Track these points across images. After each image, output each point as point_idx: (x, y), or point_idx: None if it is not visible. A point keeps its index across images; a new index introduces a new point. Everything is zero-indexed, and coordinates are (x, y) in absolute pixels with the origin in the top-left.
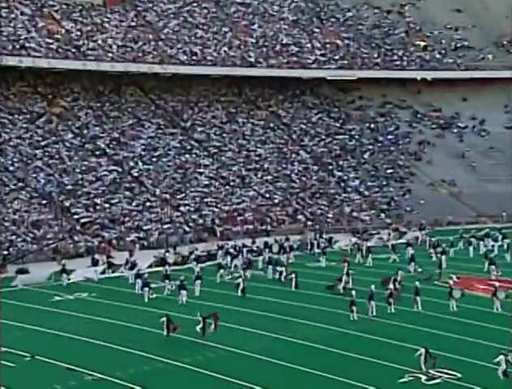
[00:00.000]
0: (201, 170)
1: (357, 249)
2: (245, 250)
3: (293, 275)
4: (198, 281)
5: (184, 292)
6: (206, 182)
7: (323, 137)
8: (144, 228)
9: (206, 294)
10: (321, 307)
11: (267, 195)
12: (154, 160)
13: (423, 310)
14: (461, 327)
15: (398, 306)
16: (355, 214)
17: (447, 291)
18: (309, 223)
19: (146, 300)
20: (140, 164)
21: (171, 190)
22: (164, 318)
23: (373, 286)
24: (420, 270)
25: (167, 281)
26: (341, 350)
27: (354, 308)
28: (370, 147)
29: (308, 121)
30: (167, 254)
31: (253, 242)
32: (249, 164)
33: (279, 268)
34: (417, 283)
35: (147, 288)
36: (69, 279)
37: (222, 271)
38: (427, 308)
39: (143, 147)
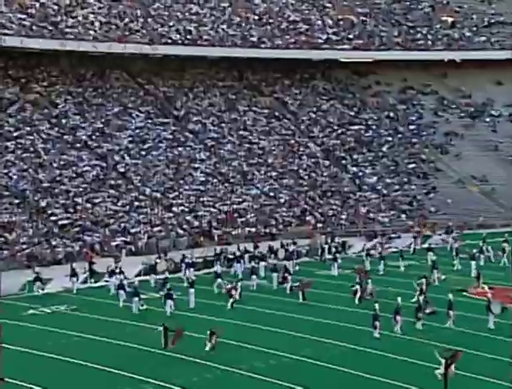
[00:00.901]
0: (196, 165)
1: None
2: (246, 255)
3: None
4: (192, 290)
5: (170, 302)
6: (203, 179)
7: (335, 127)
8: (132, 231)
9: (201, 306)
10: (335, 322)
11: (272, 194)
12: (143, 153)
13: (456, 327)
14: (500, 346)
15: (428, 321)
16: (372, 215)
17: (484, 304)
18: (320, 225)
19: (134, 310)
20: (127, 158)
21: (162, 188)
22: (161, 328)
23: (399, 299)
24: (443, 277)
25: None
26: (360, 371)
27: (377, 323)
28: (389, 138)
29: (318, 109)
30: (157, 261)
31: (256, 247)
32: (252, 159)
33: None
34: (450, 295)
35: (136, 299)
36: (42, 289)
37: (219, 280)
38: (461, 324)
39: (130, 138)
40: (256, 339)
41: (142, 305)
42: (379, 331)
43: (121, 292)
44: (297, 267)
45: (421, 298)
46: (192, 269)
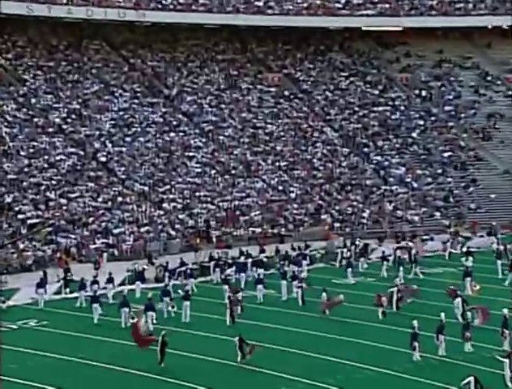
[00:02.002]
0: (191, 154)
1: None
2: (249, 261)
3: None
4: (187, 303)
5: (151, 314)
6: (199, 170)
7: (356, 109)
8: (115, 232)
9: (196, 320)
10: (360, 340)
11: (281, 188)
12: (128, 139)
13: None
14: None
15: (478, 343)
16: (399, 213)
17: None
18: (337, 225)
19: (123, 325)
20: (109, 145)
21: (151, 181)
22: (237, 339)
23: (442, 314)
24: (477, 288)
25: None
26: None
27: (416, 344)
28: (421, 122)
29: (335, 87)
30: (145, 267)
31: (262, 251)
32: (257, 146)
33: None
34: (505, 310)
35: (126, 309)
36: (3, 302)
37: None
38: None
39: (113, 122)
40: (263, 362)
41: (132, 318)
42: (419, 353)
43: (95, 305)
44: (305, 274)
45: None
46: (192, 279)
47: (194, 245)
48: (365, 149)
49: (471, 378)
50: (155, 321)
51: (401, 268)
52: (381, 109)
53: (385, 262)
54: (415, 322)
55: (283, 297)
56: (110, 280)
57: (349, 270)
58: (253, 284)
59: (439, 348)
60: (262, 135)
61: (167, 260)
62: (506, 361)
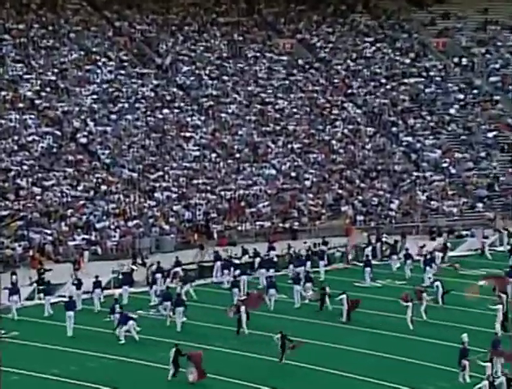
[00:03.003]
0: (188, 134)
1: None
2: (257, 260)
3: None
4: (180, 309)
5: (131, 323)
6: (197, 153)
7: (383, 81)
8: (98, 226)
9: (191, 329)
10: (391, 355)
11: (293, 174)
12: (113, 117)
13: None
14: None
15: None
16: (434, 204)
17: None
18: (360, 218)
19: (122, 340)
20: (91, 124)
21: (140, 167)
22: (278, 336)
23: (464, 336)
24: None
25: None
26: None
27: (466, 362)
28: (460, 96)
29: (359, 55)
30: (134, 268)
31: (271, 248)
32: (265, 126)
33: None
34: (465, 336)
35: (132, 322)
36: None
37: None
38: None
39: (96, 96)
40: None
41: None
42: (469, 373)
43: (70, 313)
44: (322, 276)
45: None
46: (190, 283)
47: (191, 242)
48: (394, 128)
49: (486, 382)
50: (137, 328)
51: (428, 268)
52: (412, 80)
53: (408, 261)
54: (464, 337)
55: (296, 303)
56: (97, 285)
57: (367, 270)
58: (265, 289)
59: (463, 373)
60: (272, 112)
61: (159, 259)
62: (488, 364)
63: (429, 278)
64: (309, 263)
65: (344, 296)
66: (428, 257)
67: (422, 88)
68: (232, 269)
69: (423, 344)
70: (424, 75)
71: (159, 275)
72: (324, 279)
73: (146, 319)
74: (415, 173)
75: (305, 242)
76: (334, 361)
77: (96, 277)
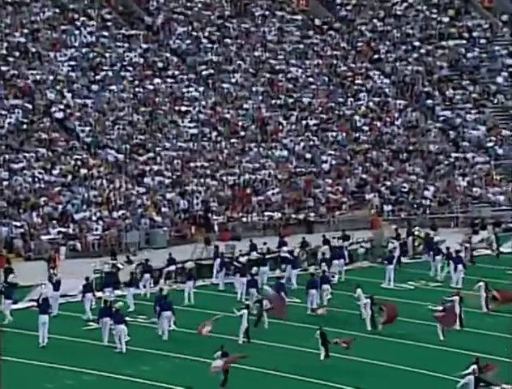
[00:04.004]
0: (183, 108)
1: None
2: (266, 258)
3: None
4: (167, 313)
5: (121, 327)
6: (194, 131)
7: (416, 44)
8: (76, 217)
9: (184, 338)
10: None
11: (309, 156)
12: (94, 88)
13: None
14: None
15: None
16: (477, 191)
17: None
18: (388, 208)
19: (123, 348)
20: (68, 95)
21: (127, 147)
22: (318, 333)
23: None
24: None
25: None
26: None
27: None
28: (509, 61)
29: (387, 13)
30: (120, 266)
31: (282, 243)
32: (276, 98)
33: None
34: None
35: (121, 326)
36: None
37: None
38: None
39: (73, 63)
40: None
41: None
42: None
43: (45, 318)
44: (339, 277)
45: None
46: (191, 282)
47: (187, 236)
48: (429, 101)
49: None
50: (127, 337)
51: (460, 267)
52: (452, 43)
53: (437, 258)
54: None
55: (309, 309)
56: (88, 288)
57: (389, 267)
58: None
59: None
60: (283, 82)
61: (149, 256)
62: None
63: (463, 278)
64: (336, 262)
65: (368, 300)
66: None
67: (463, 53)
68: (224, 268)
69: (458, 356)
70: (465, 37)
71: (147, 276)
72: (344, 279)
73: (133, 327)
74: (454, 154)
75: (323, 236)
76: (358, 378)
77: (87, 279)
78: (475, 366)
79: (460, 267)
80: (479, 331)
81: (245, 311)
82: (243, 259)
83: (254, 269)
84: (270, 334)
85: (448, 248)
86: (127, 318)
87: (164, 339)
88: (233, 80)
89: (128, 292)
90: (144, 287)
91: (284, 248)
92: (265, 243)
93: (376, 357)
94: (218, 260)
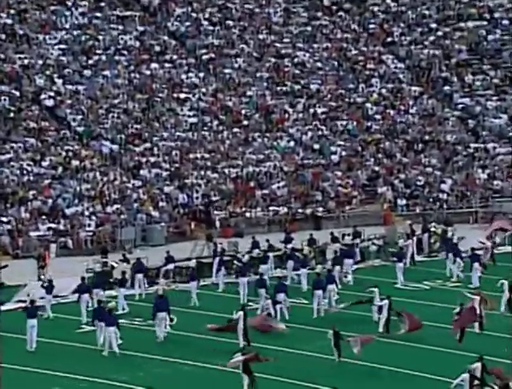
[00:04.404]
0: (182, 95)
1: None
2: (271, 255)
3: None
4: (162, 314)
5: (112, 330)
6: (194, 120)
7: (433, 26)
8: (68, 212)
9: (181, 341)
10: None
11: (316, 147)
12: (86, 73)
13: None
14: None
15: None
16: (498, 184)
17: None
18: (402, 202)
19: (116, 350)
20: (58, 81)
21: (122, 137)
22: (331, 333)
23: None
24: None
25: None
26: None
27: None
28: None
29: None
30: (114, 265)
31: (288, 240)
32: (281, 85)
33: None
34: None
35: (112, 328)
36: None
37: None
38: None
39: (64, 46)
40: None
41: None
42: None
43: (33, 322)
44: (348, 278)
45: None
46: (195, 283)
47: (186, 233)
48: (446, 87)
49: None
50: (120, 340)
51: (476, 265)
52: (471, 24)
53: (450, 255)
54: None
55: (314, 313)
56: (84, 289)
57: (399, 265)
58: (274, 293)
59: None
60: (290, 67)
61: (144, 255)
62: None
63: (479, 277)
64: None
65: (387, 302)
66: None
67: (484, 35)
68: (223, 267)
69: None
70: (486, 18)
71: (140, 276)
72: (352, 280)
73: (128, 330)
74: (473, 145)
75: (331, 233)
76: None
77: (83, 279)
78: (478, 364)
79: (476, 265)
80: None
81: (241, 313)
82: (245, 258)
83: (262, 267)
84: (274, 337)
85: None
86: (121, 321)
87: (160, 341)
88: (236, 65)
89: (119, 293)
90: (139, 287)
91: (289, 245)
92: (267, 240)
93: (388, 362)
94: (217, 259)
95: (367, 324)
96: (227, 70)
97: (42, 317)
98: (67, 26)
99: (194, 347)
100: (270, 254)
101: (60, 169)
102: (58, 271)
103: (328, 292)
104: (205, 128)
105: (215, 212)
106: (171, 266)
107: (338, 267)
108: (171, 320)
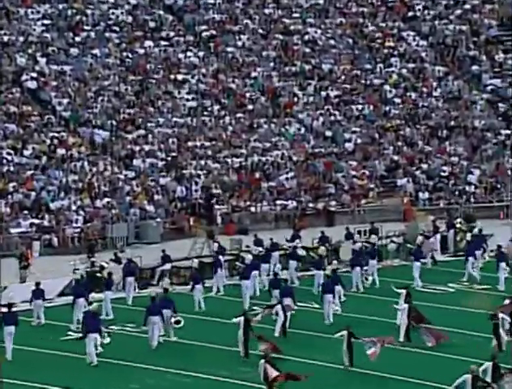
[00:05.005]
0: (180, 77)
1: None
2: (276, 255)
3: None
4: (155, 318)
5: (93, 336)
6: (193, 104)
7: None
8: (52, 206)
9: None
10: None
11: (329, 133)
12: (73, 52)
13: None
14: None
15: None
16: None
17: None
18: (424, 196)
19: (93, 361)
20: (42, 61)
21: (113, 122)
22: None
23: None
24: None
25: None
26: None
27: None
28: None
29: None
30: (104, 265)
31: (296, 236)
32: (290, 65)
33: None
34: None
35: (95, 335)
36: None
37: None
38: None
39: (48, 22)
40: None
41: (104, 337)
42: None
43: (11, 329)
44: (369, 280)
45: None
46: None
47: (185, 229)
48: (474, 67)
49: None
50: (100, 348)
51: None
52: None
53: (470, 258)
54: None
55: (325, 318)
56: (79, 292)
57: (416, 265)
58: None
59: None
60: (300, 45)
61: (136, 254)
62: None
63: (506, 278)
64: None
65: (406, 306)
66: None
67: None
68: (219, 268)
69: None
70: None
71: (131, 279)
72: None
73: (120, 337)
74: (503, 131)
75: (346, 228)
76: None
77: (77, 281)
78: (489, 364)
79: (503, 265)
80: None
81: (242, 318)
82: (247, 259)
83: (277, 267)
84: (283, 344)
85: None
86: (112, 327)
87: (153, 348)
88: (239, 43)
89: (104, 296)
90: (130, 291)
91: (293, 243)
92: (271, 239)
93: (407, 373)
94: (220, 258)
95: (384, 330)
96: (229, 49)
97: (32, 324)
98: None
99: (193, 356)
100: (275, 253)
101: (44, 159)
102: (42, 272)
103: (335, 293)
104: (205, 113)
105: (217, 207)
106: (167, 266)
107: (358, 269)
108: (177, 323)
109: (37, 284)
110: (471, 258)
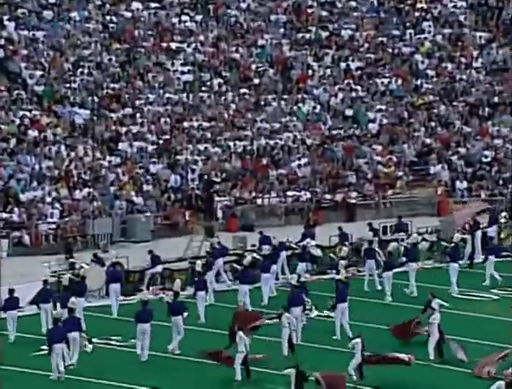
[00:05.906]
0: (174, 45)
1: None
2: (283, 254)
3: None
4: (144, 326)
5: (59, 347)
6: (189, 77)
7: None
8: (23, 198)
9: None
10: None
11: (349, 113)
12: (48, 15)
13: None
14: None
15: None
16: None
17: None
18: (462, 185)
19: (57, 374)
20: (10, 26)
21: (95, 99)
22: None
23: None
24: None
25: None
26: None
27: None
28: None
29: None
30: (84, 267)
31: (308, 234)
32: (303, 31)
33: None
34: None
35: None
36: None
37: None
38: None
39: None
40: None
41: (85, 346)
42: None
43: None
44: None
45: None
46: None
47: (180, 226)
48: None
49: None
50: (69, 361)
51: None
52: None
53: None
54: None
55: (337, 328)
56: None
57: (453, 266)
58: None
59: None
60: (314, 8)
61: (126, 254)
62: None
63: None
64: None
65: (438, 316)
66: None
67: None
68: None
69: None
70: None
71: (116, 286)
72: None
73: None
74: None
75: (369, 224)
76: None
77: (65, 287)
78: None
79: None
80: None
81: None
82: (247, 260)
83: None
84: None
85: None
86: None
87: (143, 360)
88: (243, 5)
89: (76, 305)
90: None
91: (309, 242)
92: (274, 237)
93: None
94: (219, 259)
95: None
96: (232, 12)
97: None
98: None
99: (180, 370)
100: (283, 253)
101: (13, 142)
102: (10, 276)
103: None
104: (203, 88)
105: (217, 199)
106: (159, 268)
107: (389, 274)
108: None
109: (11, 291)
110: (491, 257)
